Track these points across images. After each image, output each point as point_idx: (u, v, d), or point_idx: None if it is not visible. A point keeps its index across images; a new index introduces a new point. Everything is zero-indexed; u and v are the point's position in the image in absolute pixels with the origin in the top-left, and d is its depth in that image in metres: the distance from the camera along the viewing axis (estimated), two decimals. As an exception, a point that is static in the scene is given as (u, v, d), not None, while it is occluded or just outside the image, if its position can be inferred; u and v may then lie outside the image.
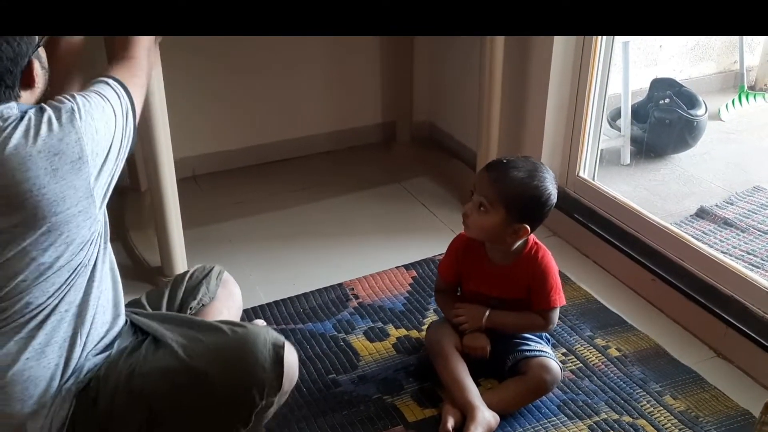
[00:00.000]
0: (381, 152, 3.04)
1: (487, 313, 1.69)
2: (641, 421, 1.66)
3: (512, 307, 1.69)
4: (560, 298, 1.69)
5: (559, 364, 1.70)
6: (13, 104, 1.19)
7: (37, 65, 1.25)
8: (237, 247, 2.21)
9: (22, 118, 1.17)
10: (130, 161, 2.49)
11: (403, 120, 3.04)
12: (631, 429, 1.64)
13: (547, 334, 1.79)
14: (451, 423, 1.58)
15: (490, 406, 1.61)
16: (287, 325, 1.98)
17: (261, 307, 2.04)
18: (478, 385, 1.66)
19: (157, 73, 1.93)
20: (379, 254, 2.31)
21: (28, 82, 1.24)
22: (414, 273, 2.20)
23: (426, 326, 1.90)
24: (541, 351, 1.69)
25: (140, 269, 2.20)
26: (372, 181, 2.78)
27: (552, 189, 1.61)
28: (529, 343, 1.72)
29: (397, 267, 2.23)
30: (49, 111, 1.18)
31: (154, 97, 1.86)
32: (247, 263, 2.15)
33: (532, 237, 1.69)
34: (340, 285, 2.15)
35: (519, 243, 1.67)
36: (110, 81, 1.32)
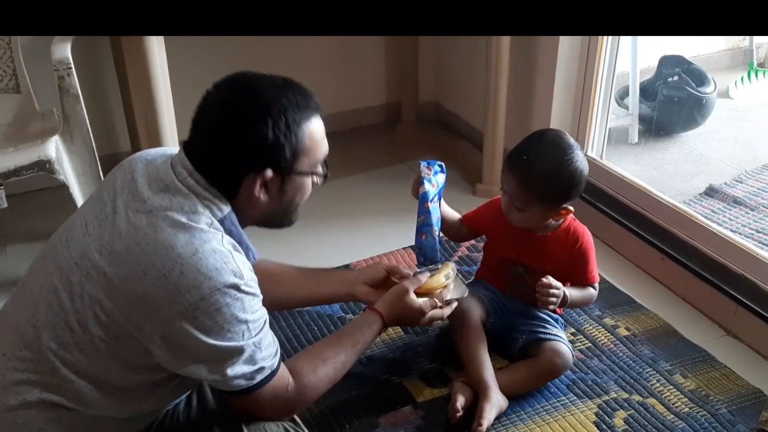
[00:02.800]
0: (386, 133, 3.00)
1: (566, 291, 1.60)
2: (651, 400, 1.65)
3: (536, 278, 1.60)
4: (596, 275, 1.67)
5: (571, 349, 1.68)
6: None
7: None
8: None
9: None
10: (135, 149, 2.47)
11: (408, 100, 3.00)
12: (641, 408, 1.63)
13: (561, 318, 1.77)
14: (461, 402, 1.56)
15: (501, 388, 1.60)
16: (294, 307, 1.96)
17: (267, 288, 2.03)
18: (490, 363, 1.64)
19: (161, 57, 1.93)
20: (385, 235, 2.29)
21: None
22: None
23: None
24: (555, 335, 1.67)
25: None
26: (377, 163, 2.75)
27: (580, 162, 1.53)
28: (546, 325, 1.69)
29: (403, 248, 2.21)
30: None
31: (157, 83, 1.85)
32: (255, 246, 2.13)
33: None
34: (346, 266, 2.14)
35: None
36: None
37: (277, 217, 1.27)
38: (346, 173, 2.66)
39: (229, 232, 1.16)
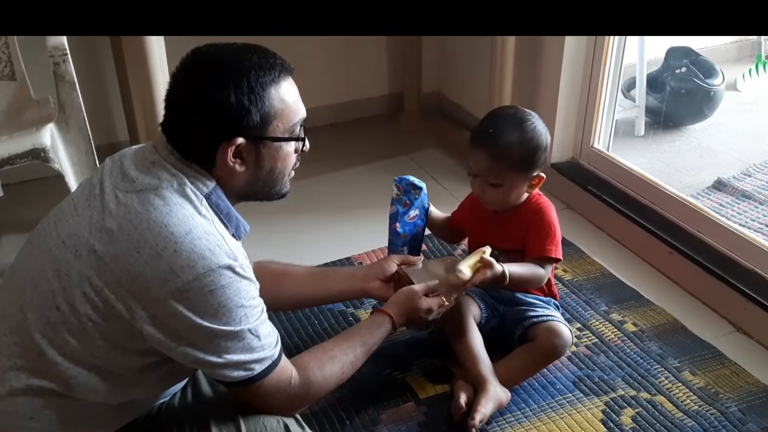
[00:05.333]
0: (388, 124, 2.98)
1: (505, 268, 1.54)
2: (659, 398, 1.61)
3: (510, 259, 1.58)
4: (555, 250, 1.58)
5: (569, 327, 1.64)
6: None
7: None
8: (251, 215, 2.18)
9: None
10: (134, 139, 2.43)
11: (410, 90, 2.97)
12: (649, 405, 1.59)
13: (555, 302, 1.73)
14: (463, 399, 1.53)
15: (501, 379, 1.57)
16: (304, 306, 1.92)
17: (267, 281, 1.99)
18: (490, 359, 1.61)
19: (159, 46, 1.89)
20: (387, 228, 2.25)
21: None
22: (423, 246, 2.14)
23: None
24: (549, 315, 1.64)
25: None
26: (379, 154, 2.72)
27: (541, 126, 1.56)
28: (536, 309, 1.66)
29: (406, 240, 2.17)
30: None
31: (155, 72, 1.83)
32: (252, 238, 2.10)
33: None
34: (348, 259, 2.10)
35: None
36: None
37: (261, 188, 1.22)
38: (347, 165, 2.64)
39: (216, 206, 1.14)
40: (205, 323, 1.07)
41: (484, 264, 1.49)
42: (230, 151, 1.12)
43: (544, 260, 1.59)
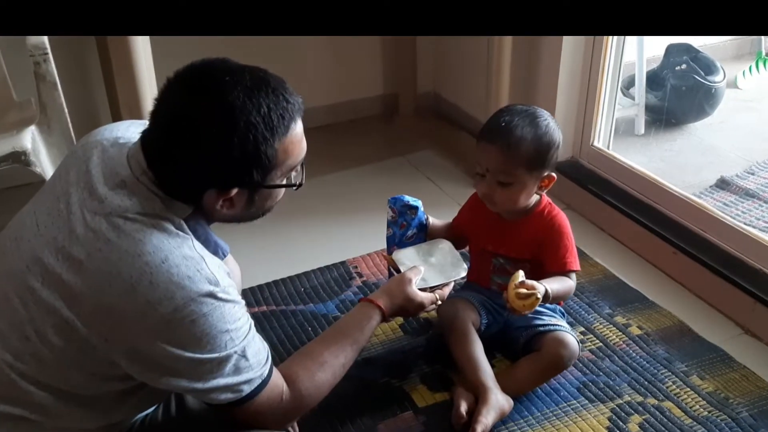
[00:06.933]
0: (383, 125, 2.93)
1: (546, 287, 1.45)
2: (667, 403, 1.55)
3: (517, 267, 1.51)
4: (575, 262, 1.56)
5: (576, 337, 1.59)
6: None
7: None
8: (235, 226, 2.12)
9: None
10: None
11: (406, 91, 2.92)
12: (657, 412, 1.53)
13: (561, 308, 1.67)
14: (464, 407, 1.47)
15: (504, 389, 1.51)
16: (287, 306, 1.87)
17: (260, 287, 1.93)
18: (492, 366, 1.55)
19: (145, 46, 1.84)
20: (383, 231, 2.18)
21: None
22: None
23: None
24: (556, 325, 1.58)
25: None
26: (374, 156, 2.67)
27: (554, 122, 1.52)
28: (542, 317, 1.60)
29: (402, 243, 2.11)
30: None
31: (141, 72, 1.79)
32: (244, 241, 2.04)
33: (544, 195, 1.58)
34: (342, 263, 2.04)
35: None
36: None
37: (245, 220, 1.15)
38: (342, 167, 2.59)
39: (194, 231, 1.06)
40: (188, 354, 1.01)
41: (527, 288, 1.40)
42: (221, 200, 1.05)
43: (566, 273, 1.54)
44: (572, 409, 1.54)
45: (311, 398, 1.20)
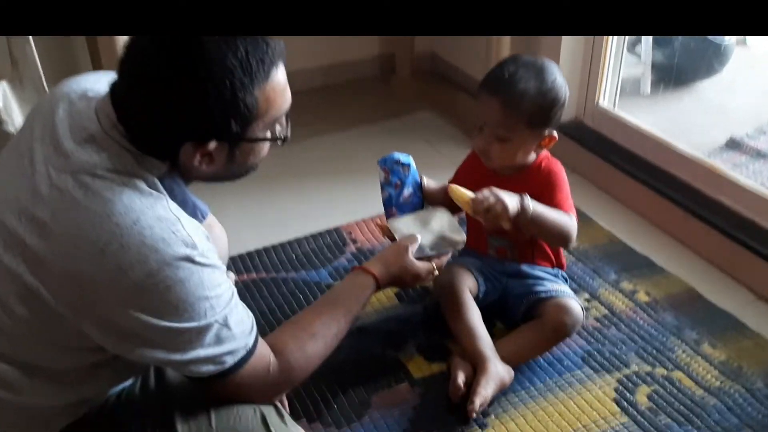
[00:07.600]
0: (379, 86, 2.85)
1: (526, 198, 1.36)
2: (677, 373, 1.48)
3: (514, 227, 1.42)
4: (572, 209, 1.47)
5: (581, 303, 1.51)
6: None
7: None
8: (222, 187, 2.03)
9: None
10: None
11: (403, 51, 2.82)
12: (666, 382, 1.46)
13: (564, 274, 1.59)
14: (462, 378, 1.40)
15: (504, 358, 1.44)
16: (278, 273, 1.79)
17: (249, 253, 1.85)
18: (491, 335, 1.47)
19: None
20: (378, 195, 2.10)
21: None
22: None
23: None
24: (558, 290, 1.51)
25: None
26: (370, 118, 2.58)
27: (561, 77, 1.42)
28: (544, 282, 1.53)
29: (398, 208, 2.03)
30: None
31: None
32: (232, 205, 1.97)
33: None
34: (336, 229, 1.96)
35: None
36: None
37: (227, 177, 1.07)
38: (336, 129, 2.51)
39: (170, 191, 0.97)
40: (164, 323, 0.93)
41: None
42: (198, 154, 0.96)
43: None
44: (576, 379, 1.47)
45: (301, 370, 1.12)
